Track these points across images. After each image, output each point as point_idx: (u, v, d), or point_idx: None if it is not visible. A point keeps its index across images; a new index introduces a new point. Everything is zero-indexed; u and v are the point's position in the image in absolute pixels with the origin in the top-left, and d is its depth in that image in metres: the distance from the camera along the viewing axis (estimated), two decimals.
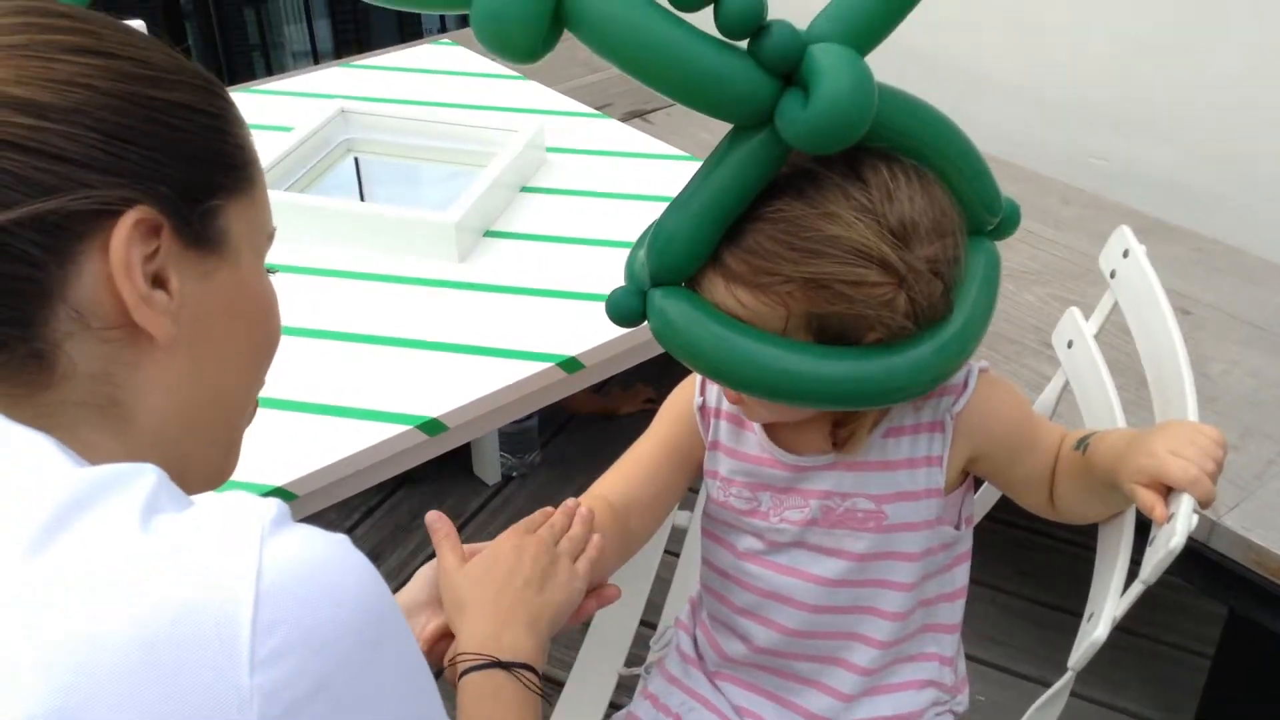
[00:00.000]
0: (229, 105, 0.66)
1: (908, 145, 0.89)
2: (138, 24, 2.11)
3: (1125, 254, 1.14)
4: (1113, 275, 1.15)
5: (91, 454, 0.58)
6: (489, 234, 1.69)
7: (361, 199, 1.89)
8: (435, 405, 1.33)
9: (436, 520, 0.98)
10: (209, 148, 0.63)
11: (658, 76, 0.80)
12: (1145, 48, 2.14)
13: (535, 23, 0.78)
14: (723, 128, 0.86)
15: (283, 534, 0.52)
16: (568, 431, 2.49)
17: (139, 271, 0.58)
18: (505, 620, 0.89)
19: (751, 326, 0.89)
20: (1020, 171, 2.20)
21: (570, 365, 1.42)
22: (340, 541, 0.54)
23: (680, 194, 0.89)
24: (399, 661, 0.55)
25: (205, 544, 0.51)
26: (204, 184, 0.62)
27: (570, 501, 1.01)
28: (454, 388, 1.36)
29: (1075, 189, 2.18)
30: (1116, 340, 1.20)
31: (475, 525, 2.25)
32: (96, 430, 0.60)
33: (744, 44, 0.80)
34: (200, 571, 0.50)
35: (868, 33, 0.81)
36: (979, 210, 0.94)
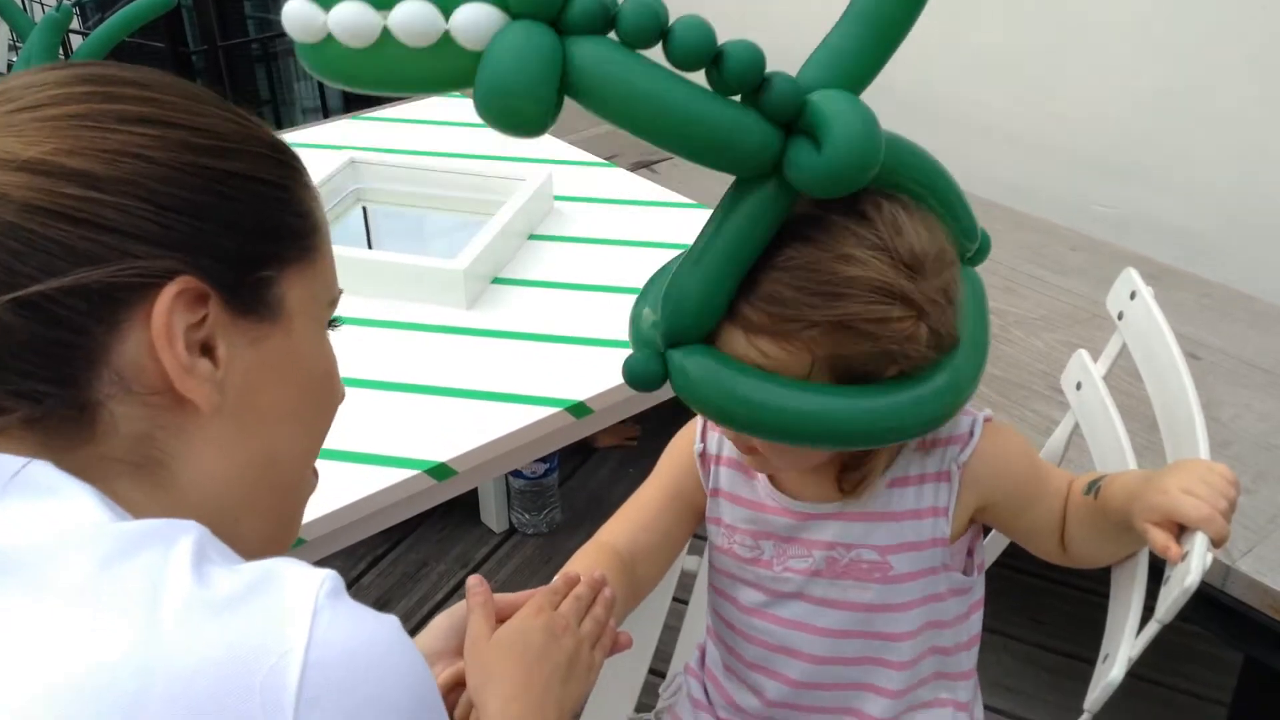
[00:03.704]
0: (296, 173, 0.65)
1: (899, 182, 0.89)
2: None
3: (1132, 295, 1.14)
4: (1120, 317, 1.15)
5: (128, 510, 0.57)
6: (497, 281, 1.69)
7: (370, 247, 1.90)
8: (443, 450, 1.33)
9: (476, 585, 0.95)
10: (266, 217, 0.62)
11: (667, 137, 0.80)
12: (1150, 97, 2.16)
13: (542, 96, 0.76)
14: (727, 176, 0.86)
15: (336, 608, 0.51)
16: (578, 477, 2.48)
17: (181, 341, 0.58)
18: (535, 710, 0.87)
19: (777, 375, 0.88)
20: (1028, 219, 2.20)
21: (578, 410, 1.42)
22: (391, 624, 0.54)
23: (689, 251, 0.88)
24: None
25: (259, 605, 0.51)
26: (257, 254, 0.62)
27: (597, 574, 0.98)
28: (462, 433, 1.36)
29: (1082, 236, 2.19)
30: (1126, 385, 1.20)
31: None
32: (135, 488, 0.59)
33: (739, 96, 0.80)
34: (252, 630, 0.49)
35: (859, 75, 0.82)
36: (961, 238, 0.95)
